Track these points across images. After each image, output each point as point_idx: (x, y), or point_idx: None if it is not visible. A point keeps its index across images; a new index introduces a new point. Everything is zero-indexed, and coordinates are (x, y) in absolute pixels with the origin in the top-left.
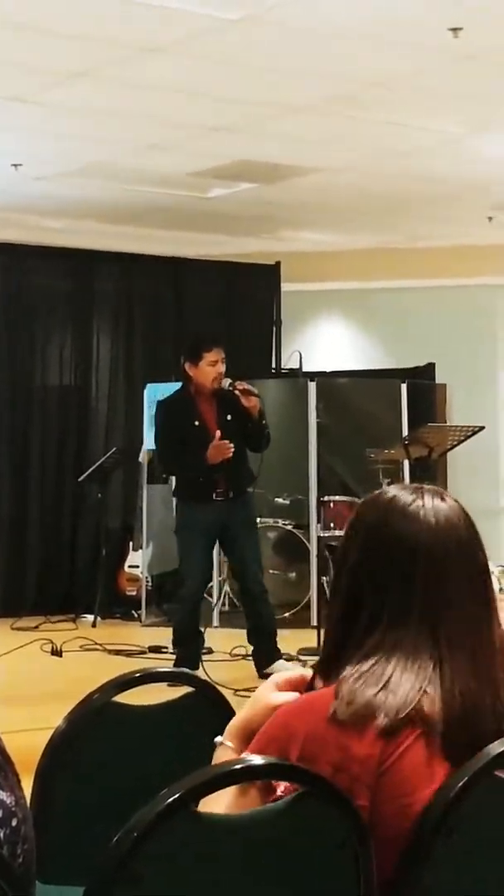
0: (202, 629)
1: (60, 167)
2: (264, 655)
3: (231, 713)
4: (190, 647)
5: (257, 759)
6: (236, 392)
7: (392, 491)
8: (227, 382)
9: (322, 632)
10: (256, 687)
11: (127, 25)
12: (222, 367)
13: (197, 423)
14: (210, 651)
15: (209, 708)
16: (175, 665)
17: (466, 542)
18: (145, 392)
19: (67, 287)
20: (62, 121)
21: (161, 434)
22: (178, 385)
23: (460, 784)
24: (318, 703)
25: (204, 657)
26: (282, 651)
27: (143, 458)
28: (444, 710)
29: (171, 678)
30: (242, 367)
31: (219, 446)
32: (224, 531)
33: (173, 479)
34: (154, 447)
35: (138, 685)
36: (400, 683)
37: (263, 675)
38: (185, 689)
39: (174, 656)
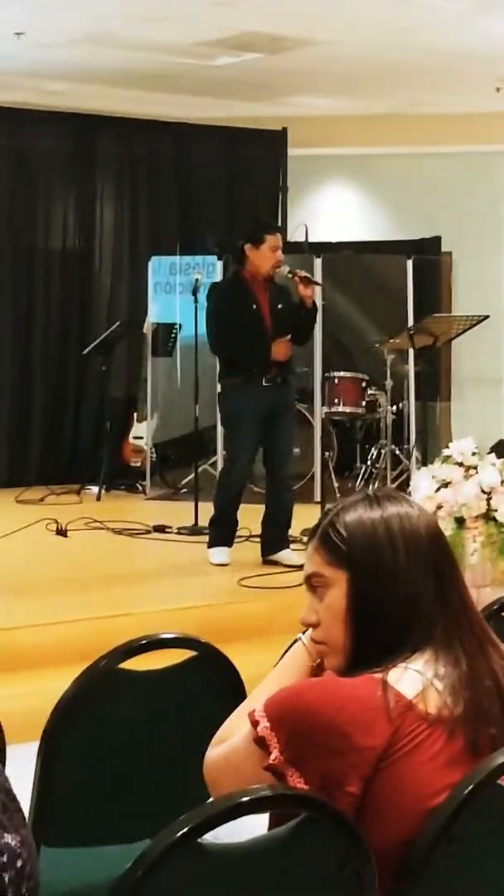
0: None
1: (63, 36)
2: (273, 543)
3: (235, 675)
4: (226, 529)
5: (265, 791)
6: (296, 279)
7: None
8: (285, 269)
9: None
10: (259, 575)
11: None
12: (281, 255)
13: (255, 306)
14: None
15: (212, 671)
16: (210, 543)
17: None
18: (150, 265)
19: (70, 150)
20: None
21: (218, 317)
22: (182, 259)
23: (462, 795)
24: (339, 687)
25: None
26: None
27: (147, 329)
28: (470, 709)
29: (176, 644)
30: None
31: (284, 346)
32: (269, 416)
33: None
34: (207, 329)
35: (144, 652)
36: (431, 684)
37: (267, 561)
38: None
39: (198, 539)
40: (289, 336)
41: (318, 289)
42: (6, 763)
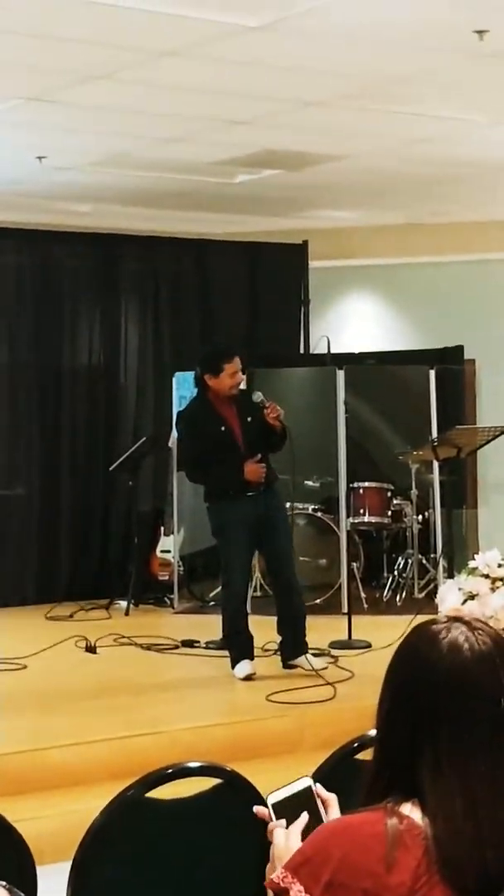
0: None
1: (83, 159)
2: (291, 647)
3: (261, 802)
4: (243, 642)
5: None
6: (264, 410)
7: (434, 626)
8: (257, 396)
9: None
10: (288, 690)
11: (145, 31)
12: (241, 376)
13: (223, 427)
14: None
15: (239, 798)
16: (232, 662)
17: (483, 684)
18: (174, 380)
19: (94, 269)
20: (83, 118)
21: (189, 446)
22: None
23: None
24: (358, 828)
25: None
26: (312, 642)
27: (172, 444)
28: (480, 855)
29: (201, 773)
30: (271, 348)
31: (256, 469)
32: (260, 524)
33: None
34: (182, 458)
35: (171, 781)
36: (440, 824)
37: (288, 667)
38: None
39: (227, 653)
40: (259, 456)
41: (340, 401)
42: (38, 884)
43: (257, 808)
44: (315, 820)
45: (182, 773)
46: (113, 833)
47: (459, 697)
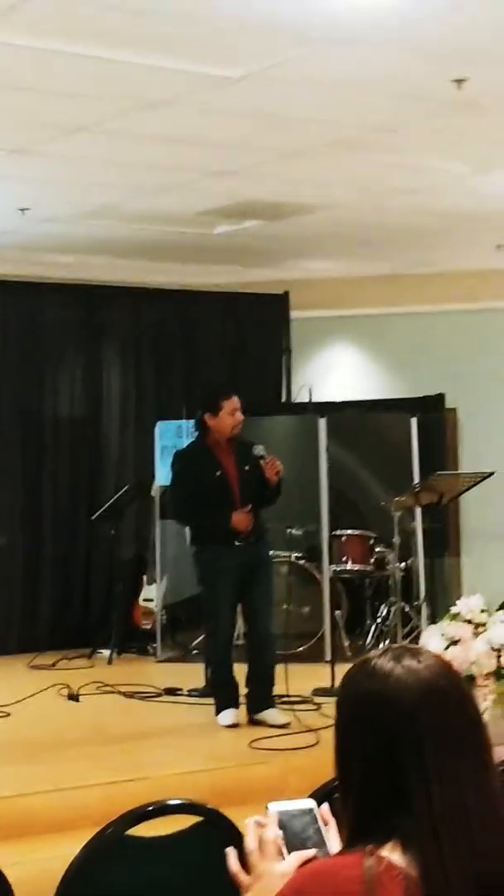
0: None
1: (66, 210)
2: (257, 701)
3: (241, 840)
4: (227, 690)
5: None
6: (262, 463)
7: (372, 661)
8: (258, 450)
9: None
10: (271, 736)
11: (126, 83)
12: (241, 415)
13: (218, 473)
14: None
15: (219, 836)
16: (216, 709)
17: (450, 699)
18: (156, 429)
19: (76, 320)
20: (64, 169)
21: (180, 486)
22: (189, 422)
23: None
24: (335, 872)
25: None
26: (296, 690)
27: (155, 492)
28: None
29: (181, 811)
30: (253, 397)
31: (244, 518)
32: (245, 574)
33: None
34: (172, 498)
35: (151, 818)
36: (414, 861)
37: (253, 721)
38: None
39: (210, 701)
40: (250, 506)
41: (322, 450)
42: None
43: (259, 819)
44: (319, 841)
45: (162, 810)
46: (93, 870)
47: (438, 713)
